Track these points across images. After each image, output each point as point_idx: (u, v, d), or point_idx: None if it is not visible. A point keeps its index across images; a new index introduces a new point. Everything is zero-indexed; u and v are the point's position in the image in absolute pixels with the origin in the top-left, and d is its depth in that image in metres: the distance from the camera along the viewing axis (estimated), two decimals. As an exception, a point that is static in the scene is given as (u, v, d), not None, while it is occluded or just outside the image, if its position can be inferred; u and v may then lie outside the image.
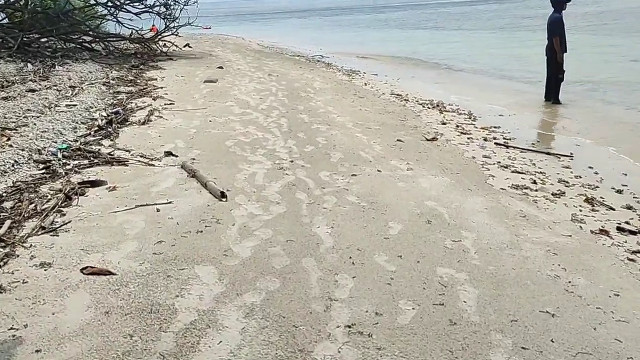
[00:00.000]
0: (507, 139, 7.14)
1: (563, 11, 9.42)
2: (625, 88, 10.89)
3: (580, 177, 5.56)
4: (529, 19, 33.73)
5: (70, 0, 15.14)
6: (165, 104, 8.30)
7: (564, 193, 4.97)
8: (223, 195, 4.40)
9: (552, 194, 4.93)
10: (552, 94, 9.72)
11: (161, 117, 7.41)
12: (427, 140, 6.83)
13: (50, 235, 3.57)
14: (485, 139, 7.06)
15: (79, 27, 14.31)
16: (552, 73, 9.61)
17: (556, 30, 9.28)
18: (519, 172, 5.61)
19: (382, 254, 3.53)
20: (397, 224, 4.02)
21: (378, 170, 5.37)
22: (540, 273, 3.37)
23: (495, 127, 7.85)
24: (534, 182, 5.25)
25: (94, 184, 4.59)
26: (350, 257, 3.45)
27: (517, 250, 3.67)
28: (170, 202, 4.26)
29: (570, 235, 3.98)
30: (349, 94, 10.29)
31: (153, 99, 8.67)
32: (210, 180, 4.69)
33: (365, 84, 12.07)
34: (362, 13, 62.88)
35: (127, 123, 6.98)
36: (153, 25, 17.02)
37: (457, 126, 7.82)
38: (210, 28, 42.62)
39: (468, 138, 7.08)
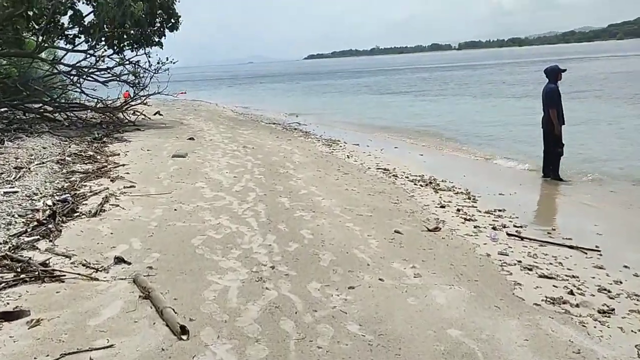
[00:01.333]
0: (518, 227, 6.25)
1: (559, 82, 8.86)
2: (623, 159, 10.30)
3: (621, 282, 4.63)
4: (507, 85, 34.07)
5: (34, 67, 14.33)
6: (124, 187, 7.26)
7: (613, 310, 4.01)
8: (184, 331, 3.31)
9: (599, 312, 3.96)
10: (551, 170, 9.01)
11: (118, 205, 6.34)
12: (429, 230, 5.89)
13: None
14: (494, 228, 6.15)
15: (40, 97, 13.37)
16: (550, 147, 8.93)
17: (553, 102, 8.67)
18: (548, 277, 4.65)
19: None
20: (419, 374, 2.98)
21: (380, 279, 4.36)
22: None
23: (499, 211, 6.99)
24: (571, 293, 4.30)
25: (11, 316, 3.45)
26: None
27: (591, 419, 2.65)
28: (111, 346, 3.15)
29: (649, 386, 2.98)
30: (332, 170, 9.41)
31: (111, 181, 7.62)
32: (168, 306, 3.60)
33: (348, 157, 11.26)
34: (340, 78, 63.62)
35: (75, 215, 5.88)
36: (126, 91, 16.21)
37: (458, 210, 6.93)
38: (185, 93, 42.28)
39: (475, 227, 6.17)
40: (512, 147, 12.35)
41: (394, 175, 9.24)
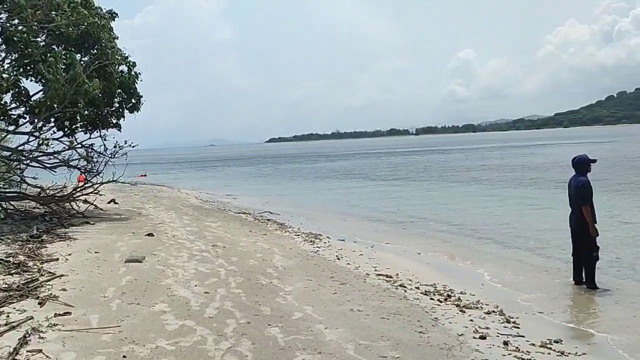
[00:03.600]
0: (597, 373, 4.63)
1: (589, 173, 7.65)
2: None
3: None
4: (490, 171, 33.32)
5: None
6: (55, 314, 5.32)
7: None
8: None
9: None
10: (584, 276, 7.61)
11: (40, 350, 4.40)
12: (487, 385, 4.19)
13: None
14: (570, 377, 4.51)
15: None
16: (583, 250, 7.57)
17: (586, 198, 7.40)
18: None
19: None
20: None
21: None
22: None
23: (556, 342, 5.40)
24: None
25: None
26: None
27: None
28: None
29: None
30: (324, 278, 7.69)
31: (39, 304, 5.67)
32: None
33: (338, 258, 9.56)
34: (306, 162, 62.77)
35: (-29, 373, 3.93)
36: (81, 174, 14.29)
37: (506, 343, 5.28)
38: (145, 176, 40.57)
39: (544, 376, 4.51)
40: (522, 244, 10.93)
41: (401, 286, 7.57)
